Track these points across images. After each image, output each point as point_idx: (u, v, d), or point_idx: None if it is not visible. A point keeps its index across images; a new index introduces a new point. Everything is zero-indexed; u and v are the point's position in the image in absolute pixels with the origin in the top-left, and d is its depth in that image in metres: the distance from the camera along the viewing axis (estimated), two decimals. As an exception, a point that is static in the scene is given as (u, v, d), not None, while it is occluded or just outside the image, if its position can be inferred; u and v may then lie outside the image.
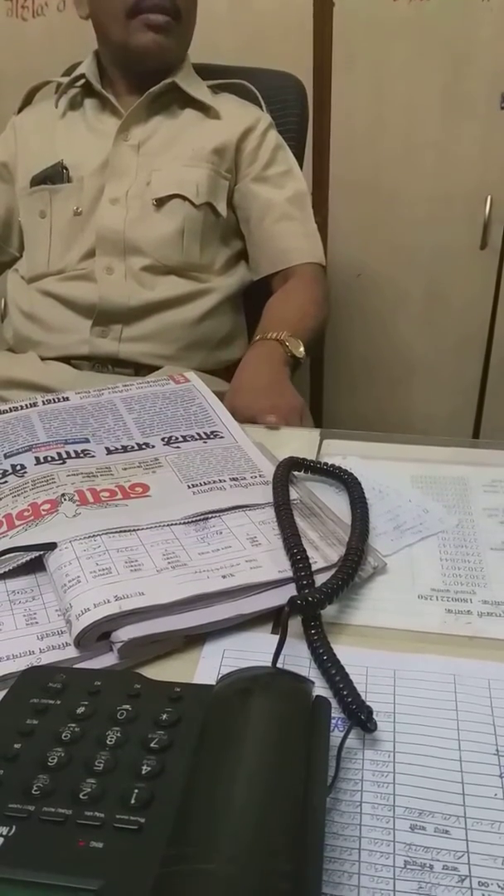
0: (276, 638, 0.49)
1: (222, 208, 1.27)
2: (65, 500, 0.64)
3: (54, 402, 0.83)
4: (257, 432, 0.81)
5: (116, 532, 0.60)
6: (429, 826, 0.41)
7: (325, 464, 0.72)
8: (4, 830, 0.35)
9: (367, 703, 0.47)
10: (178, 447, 0.75)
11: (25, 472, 0.69)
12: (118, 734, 0.41)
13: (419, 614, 0.57)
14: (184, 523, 0.63)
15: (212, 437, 0.77)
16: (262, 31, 1.72)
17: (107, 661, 0.52)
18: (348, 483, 0.69)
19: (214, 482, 0.68)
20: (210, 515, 0.64)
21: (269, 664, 0.47)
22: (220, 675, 0.46)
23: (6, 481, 0.68)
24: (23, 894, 0.33)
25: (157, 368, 1.20)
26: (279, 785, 0.36)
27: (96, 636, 0.52)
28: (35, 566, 0.59)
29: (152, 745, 0.40)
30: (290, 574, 0.57)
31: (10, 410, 0.81)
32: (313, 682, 0.45)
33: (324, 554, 0.60)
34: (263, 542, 0.61)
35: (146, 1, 1.17)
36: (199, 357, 1.25)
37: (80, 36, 1.33)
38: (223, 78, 1.37)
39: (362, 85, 1.75)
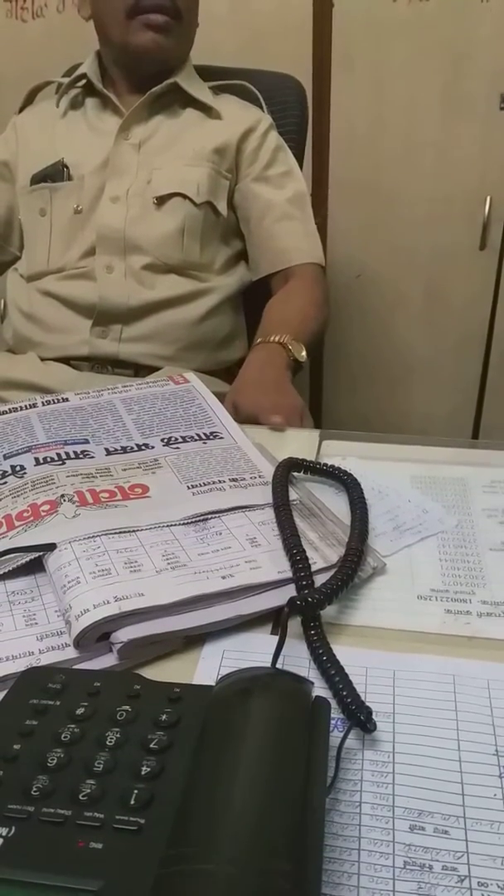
0: (276, 638, 0.49)
1: (223, 208, 1.27)
2: (64, 500, 0.64)
3: (54, 402, 0.83)
4: (257, 433, 0.81)
5: (116, 533, 0.60)
6: (428, 826, 0.41)
7: (325, 464, 0.72)
8: (4, 831, 0.35)
9: (367, 704, 0.47)
10: (177, 448, 0.75)
11: (25, 473, 0.69)
12: (118, 735, 0.41)
13: (418, 614, 0.57)
14: (183, 524, 0.63)
15: (211, 437, 0.77)
16: (262, 32, 1.72)
17: (106, 661, 0.52)
18: (348, 484, 0.69)
19: (214, 483, 0.68)
20: (210, 516, 0.64)
21: (269, 665, 0.47)
22: (219, 676, 0.46)
23: (6, 482, 0.68)
24: (22, 895, 0.33)
25: (156, 369, 1.20)
26: (279, 785, 0.36)
27: (96, 637, 0.52)
28: (34, 567, 0.59)
29: (152, 745, 0.40)
30: (289, 575, 0.57)
31: (10, 411, 0.81)
32: (313, 683, 0.45)
33: (323, 554, 0.60)
34: (263, 543, 0.61)
35: (146, 1, 1.17)
36: (199, 358, 1.25)
37: (79, 37, 1.34)
38: (223, 79, 1.37)
39: (362, 85, 1.75)
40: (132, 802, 0.37)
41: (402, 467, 0.75)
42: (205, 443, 0.76)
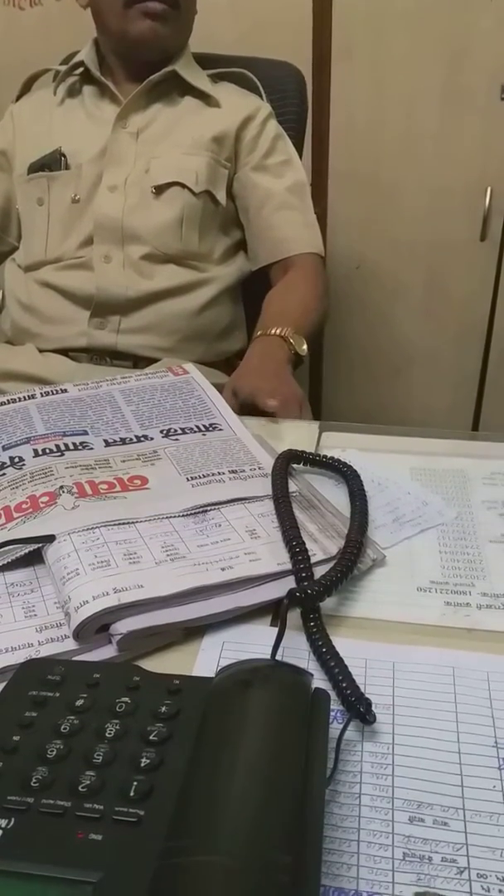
0: (275, 630, 0.49)
1: (221, 197, 1.26)
2: (63, 492, 0.64)
3: (52, 394, 0.83)
4: (256, 425, 0.81)
5: (115, 524, 0.60)
6: (427, 818, 0.41)
7: (325, 456, 0.72)
8: (3, 823, 0.35)
9: (366, 696, 0.47)
10: (176, 439, 0.75)
11: (24, 465, 0.69)
12: (117, 726, 0.41)
13: (418, 606, 0.57)
14: (183, 516, 0.63)
15: (211, 429, 0.77)
16: (262, 21, 1.71)
17: (106, 653, 0.52)
18: (347, 475, 0.69)
19: (213, 475, 0.68)
20: (209, 508, 0.64)
21: (268, 656, 0.47)
22: (219, 668, 0.46)
23: (4, 474, 0.68)
24: (22, 887, 0.33)
25: (155, 361, 1.20)
26: (278, 777, 0.36)
27: (95, 628, 0.52)
28: (34, 559, 0.59)
29: (151, 737, 0.40)
30: (289, 566, 0.57)
31: (9, 402, 0.81)
32: (312, 675, 0.45)
33: (323, 546, 0.60)
34: (262, 535, 0.61)
35: None
36: (198, 349, 1.24)
37: (76, 25, 1.33)
38: (222, 67, 1.36)
39: (362, 76, 1.75)
40: (131, 794, 0.37)
41: (402, 459, 0.75)
42: (204, 434, 0.76)
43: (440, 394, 2.08)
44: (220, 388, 0.87)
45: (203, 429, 0.77)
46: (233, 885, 0.31)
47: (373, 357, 2.06)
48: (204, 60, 1.34)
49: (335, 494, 0.68)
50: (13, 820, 0.36)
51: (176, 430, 0.76)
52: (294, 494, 0.66)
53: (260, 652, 0.49)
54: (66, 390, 0.84)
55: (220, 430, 0.77)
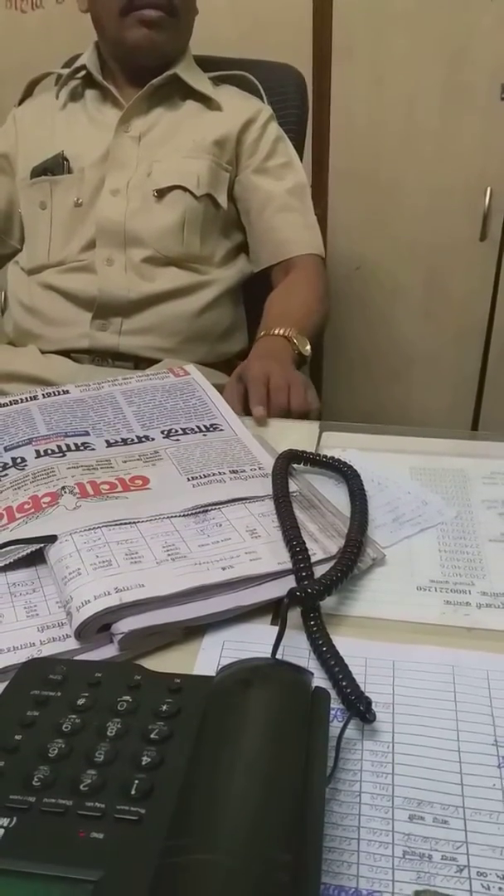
0: (276, 629, 0.49)
1: (223, 200, 1.26)
2: (65, 492, 0.64)
3: (54, 395, 0.83)
4: (256, 426, 0.81)
5: (116, 524, 0.60)
6: (427, 816, 0.41)
7: (325, 456, 0.72)
8: (5, 822, 0.36)
9: (366, 694, 0.47)
10: (177, 440, 0.75)
11: (26, 465, 0.69)
12: (118, 725, 0.41)
13: (418, 606, 0.57)
14: (184, 515, 0.63)
15: (211, 429, 0.77)
16: (262, 22, 1.72)
17: (107, 652, 0.52)
18: (347, 475, 0.69)
19: (214, 475, 0.68)
20: (210, 508, 0.64)
21: (269, 655, 0.47)
22: (219, 667, 0.46)
23: (7, 474, 0.69)
24: (24, 885, 0.33)
25: (156, 362, 1.20)
26: (278, 776, 0.36)
27: (96, 628, 0.52)
28: (35, 558, 0.59)
29: (152, 736, 0.40)
30: (289, 566, 0.57)
31: (11, 403, 0.81)
32: (312, 674, 0.45)
33: (323, 546, 0.60)
34: (263, 534, 0.61)
35: None
36: (199, 350, 1.25)
37: (78, 28, 1.33)
38: (223, 69, 1.36)
39: (362, 76, 1.75)
40: (133, 793, 0.37)
41: (402, 459, 0.75)
42: (205, 435, 0.76)
43: (440, 394, 2.08)
44: (220, 388, 0.87)
45: (204, 429, 0.77)
46: (233, 884, 0.31)
47: (373, 357, 2.06)
48: (205, 63, 1.35)
49: (335, 494, 0.68)
50: (15, 819, 0.36)
51: (177, 431, 0.76)
52: (294, 494, 0.66)
53: (260, 651, 0.49)
54: (67, 391, 0.84)
55: (221, 430, 0.77)
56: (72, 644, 0.52)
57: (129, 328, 1.21)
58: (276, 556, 0.58)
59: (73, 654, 0.52)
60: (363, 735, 0.46)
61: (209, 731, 0.39)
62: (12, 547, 0.59)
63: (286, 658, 0.49)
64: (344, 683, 0.48)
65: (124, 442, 0.75)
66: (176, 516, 0.63)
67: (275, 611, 0.56)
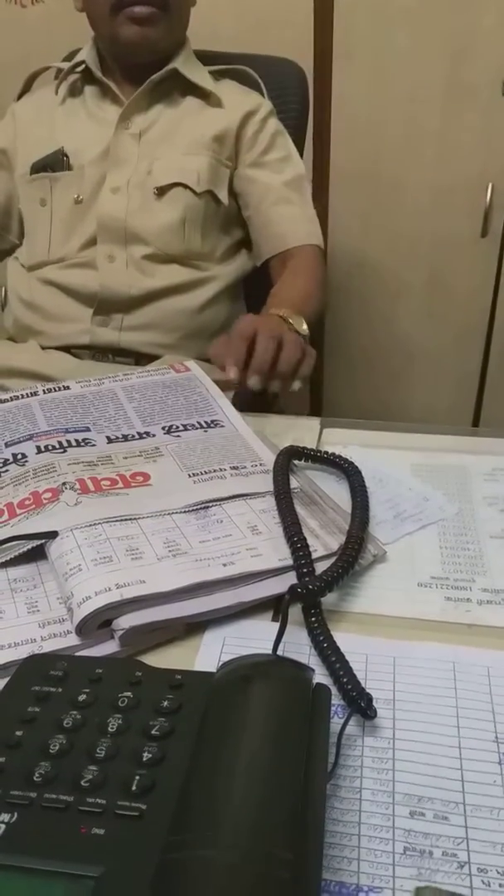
0: (277, 625, 0.49)
1: (223, 196, 1.26)
2: (66, 488, 0.64)
3: (55, 390, 0.83)
4: (258, 422, 0.81)
5: (117, 520, 0.60)
6: (428, 812, 0.41)
7: (326, 452, 0.72)
8: (6, 817, 0.36)
9: (367, 691, 0.47)
10: (178, 436, 0.75)
11: (26, 461, 0.69)
12: (119, 721, 0.41)
13: (419, 602, 0.57)
14: (184, 512, 0.63)
15: (212, 425, 0.77)
16: (263, 19, 1.71)
17: (108, 648, 0.52)
18: (348, 471, 0.69)
19: (215, 471, 0.68)
20: (210, 504, 0.64)
21: (270, 651, 0.47)
22: (220, 663, 0.46)
23: (7, 470, 0.69)
24: (25, 881, 0.33)
25: (157, 358, 1.20)
26: (279, 772, 0.36)
27: (97, 624, 0.52)
28: (36, 554, 0.59)
29: (153, 732, 0.40)
30: (290, 562, 0.57)
31: (11, 399, 0.81)
32: (313, 670, 0.45)
33: (324, 542, 0.60)
34: (264, 531, 0.61)
35: None
36: (200, 346, 1.24)
37: (78, 23, 1.32)
38: (223, 64, 1.36)
39: (363, 73, 1.74)
40: (134, 789, 0.37)
41: (403, 455, 0.75)
42: (206, 431, 0.76)
43: (441, 391, 2.08)
44: (221, 384, 0.87)
45: (205, 425, 0.77)
46: (234, 880, 0.31)
47: (374, 354, 2.06)
48: (205, 58, 1.34)
49: (336, 490, 0.68)
50: (16, 814, 0.36)
51: (178, 427, 0.76)
52: (295, 490, 0.66)
53: (261, 647, 0.49)
54: (68, 387, 0.84)
55: (222, 426, 0.77)
56: (73, 640, 0.52)
57: (129, 324, 1.21)
58: (276, 553, 0.58)
59: (74, 651, 0.52)
60: (364, 731, 0.46)
61: (210, 727, 0.39)
62: (13, 543, 0.59)
63: (287, 654, 0.49)
64: (345, 680, 0.48)
65: (125, 438, 0.74)
66: (177, 512, 0.63)
67: (276, 607, 0.56)
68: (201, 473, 0.68)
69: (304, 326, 1.00)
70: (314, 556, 0.58)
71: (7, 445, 0.72)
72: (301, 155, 1.35)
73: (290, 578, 0.56)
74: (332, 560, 0.57)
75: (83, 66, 1.28)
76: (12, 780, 0.38)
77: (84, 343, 1.21)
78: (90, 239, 1.22)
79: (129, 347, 1.21)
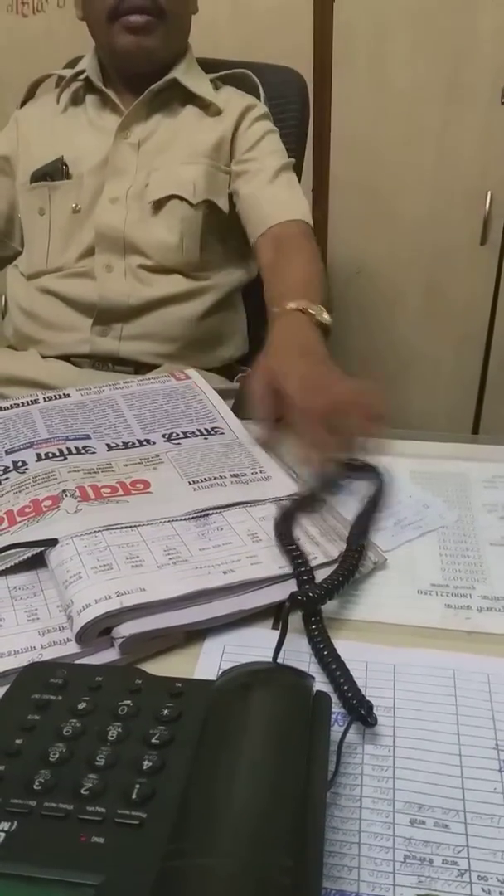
0: (277, 633, 0.49)
1: (223, 203, 1.26)
2: (66, 496, 0.64)
3: (55, 398, 0.83)
4: (257, 430, 0.81)
5: (117, 528, 0.60)
6: (428, 820, 0.41)
7: (357, 460, 0.71)
8: (6, 826, 0.36)
9: (367, 698, 0.47)
10: (178, 443, 0.75)
11: (27, 469, 0.69)
12: (119, 729, 0.41)
13: (419, 609, 0.57)
14: (184, 519, 0.63)
15: (212, 433, 0.77)
16: (263, 28, 1.72)
17: (108, 656, 0.52)
18: (378, 477, 0.70)
19: (215, 478, 0.68)
20: (211, 511, 0.64)
21: (270, 659, 0.47)
22: (220, 671, 0.46)
23: (7, 478, 0.69)
24: (25, 890, 0.33)
25: (156, 367, 1.20)
26: (280, 780, 0.36)
27: (97, 632, 0.52)
28: (36, 562, 0.59)
29: (153, 740, 0.40)
30: (290, 570, 0.57)
31: (12, 407, 0.81)
32: (314, 677, 0.45)
33: (324, 549, 0.60)
34: (264, 538, 0.61)
35: (124, 3, 1.16)
36: (200, 355, 1.24)
37: (80, 32, 1.33)
38: (223, 70, 1.36)
39: (362, 81, 1.75)
40: (134, 797, 0.37)
41: (403, 462, 0.75)
42: (206, 438, 0.76)
43: (440, 400, 2.08)
44: (221, 392, 0.87)
45: (205, 433, 0.77)
46: (234, 888, 0.31)
47: (373, 362, 2.06)
48: (206, 65, 1.34)
49: (341, 497, 0.68)
50: (16, 823, 0.36)
51: (178, 435, 0.76)
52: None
53: (261, 655, 0.49)
54: (69, 395, 0.84)
55: (222, 433, 0.77)
56: (73, 648, 0.52)
57: (129, 333, 1.20)
58: (276, 560, 0.58)
59: (74, 658, 0.52)
60: (364, 739, 0.46)
61: (210, 735, 0.39)
62: (13, 550, 0.59)
63: (287, 662, 0.49)
64: (345, 687, 0.48)
65: (125, 445, 0.75)
66: (177, 520, 0.63)
67: (276, 615, 0.56)
68: (201, 481, 0.68)
69: (326, 315, 0.95)
70: (314, 563, 0.58)
71: (7, 453, 0.72)
72: (301, 163, 1.35)
73: (291, 586, 0.56)
74: (333, 567, 0.57)
75: (84, 75, 1.29)
76: (12, 788, 0.38)
77: (84, 352, 1.21)
78: (88, 248, 1.22)
79: (129, 357, 1.21)
